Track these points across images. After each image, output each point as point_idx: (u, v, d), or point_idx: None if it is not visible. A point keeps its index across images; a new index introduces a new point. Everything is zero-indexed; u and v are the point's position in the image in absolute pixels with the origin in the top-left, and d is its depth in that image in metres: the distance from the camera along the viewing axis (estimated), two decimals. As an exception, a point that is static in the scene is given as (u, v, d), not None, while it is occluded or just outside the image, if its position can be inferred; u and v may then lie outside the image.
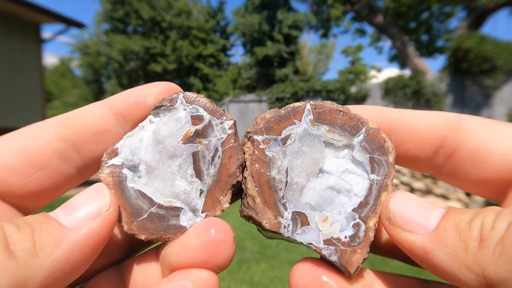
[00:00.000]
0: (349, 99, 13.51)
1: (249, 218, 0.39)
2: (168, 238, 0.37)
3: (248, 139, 0.40)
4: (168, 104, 0.40)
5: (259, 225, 0.38)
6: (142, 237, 0.37)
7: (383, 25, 14.76)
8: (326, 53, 27.84)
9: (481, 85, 11.54)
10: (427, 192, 5.51)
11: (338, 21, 16.64)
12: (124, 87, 20.67)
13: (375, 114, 0.42)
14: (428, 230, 0.32)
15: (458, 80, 11.98)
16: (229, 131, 0.40)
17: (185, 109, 0.40)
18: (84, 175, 0.40)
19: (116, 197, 0.37)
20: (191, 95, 0.41)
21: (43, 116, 9.05)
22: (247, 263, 3.74)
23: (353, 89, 13.54)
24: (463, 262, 0.29)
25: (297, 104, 0.41)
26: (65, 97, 22.45)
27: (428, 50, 17.31)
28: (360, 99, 13.43)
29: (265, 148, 0.39)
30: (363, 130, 0.40)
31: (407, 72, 13.75)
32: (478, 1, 12.55)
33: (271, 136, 0.40)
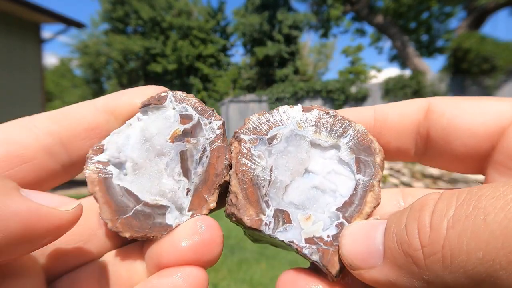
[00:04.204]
0: (349, 99, 13.52)
1: (231, 216, 0.39)
2: (153, 236, 0.37)
3: (236, 138, 0.41)
4: (157, 102, 0.40)
5: (240, 222, 0.38)
6: (127, 235, 0.36)
7: (383, 25, 14.76)
8: (326, 53, 27.84)
9: (481, 85, 11.55)
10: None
11: (338, 21, 16.66)
12: (124, 87, 20.69)
13: (349, 116, 0.42)
14: (381, 257, 0.30)
15: (458, 80, 11.99)
16: (218, 131, 0.40)
17: (174, 108, 0.40)
18: (70, 172, 0.39)
19: (101, 194, 0.37)
20: (180, 94, 0.40)
21: (43, 116, 9.03)
22: (247, 263, 3.74)
23: (353, 89, 13.55)
24: (421, 277, 0.26)
25: (285, 106, 0.42)
26: (65, 97, 22.45)
27: (428, 50, 17.31)
28: (360, 99, 13.43)
29: (251, 147, 0.39)
30: (350, 131, 0.40)
31: (407, 72, 13.77)
32: (478, 1, 12.56)
33: (258, 136, 0.40)
